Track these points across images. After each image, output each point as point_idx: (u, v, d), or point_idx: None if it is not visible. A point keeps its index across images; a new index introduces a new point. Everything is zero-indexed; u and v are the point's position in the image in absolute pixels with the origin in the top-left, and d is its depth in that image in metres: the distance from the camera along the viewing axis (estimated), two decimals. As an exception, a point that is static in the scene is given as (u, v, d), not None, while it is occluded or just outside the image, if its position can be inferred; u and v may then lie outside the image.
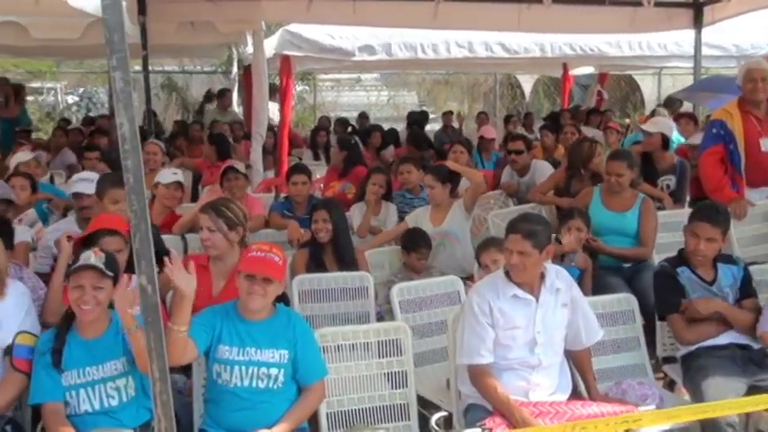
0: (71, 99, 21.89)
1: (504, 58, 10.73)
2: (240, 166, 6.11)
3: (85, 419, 3.19)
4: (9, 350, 3.24)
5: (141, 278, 2.49)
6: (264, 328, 3.37)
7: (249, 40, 9.12)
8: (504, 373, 3.53)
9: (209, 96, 13.52)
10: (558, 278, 3.66)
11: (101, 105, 19.12)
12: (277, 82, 10.39)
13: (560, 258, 4.68)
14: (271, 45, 8.61)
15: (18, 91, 10.75)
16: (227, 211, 4.06)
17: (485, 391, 3.47)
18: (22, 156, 6.60)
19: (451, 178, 5.82)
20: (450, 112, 14.13)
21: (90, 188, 4.91)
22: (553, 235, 4.05)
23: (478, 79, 21.78)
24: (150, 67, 8.42)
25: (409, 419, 3.71)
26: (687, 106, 11.28)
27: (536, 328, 3.55)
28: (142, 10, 7.34)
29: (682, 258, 4.21)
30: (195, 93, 18.34)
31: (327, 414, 3.58)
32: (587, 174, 6.18)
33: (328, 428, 3.57)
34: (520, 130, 11.68)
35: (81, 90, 22.42)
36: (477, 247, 4.73)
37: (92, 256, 3.29)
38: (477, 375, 3.50)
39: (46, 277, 4.13)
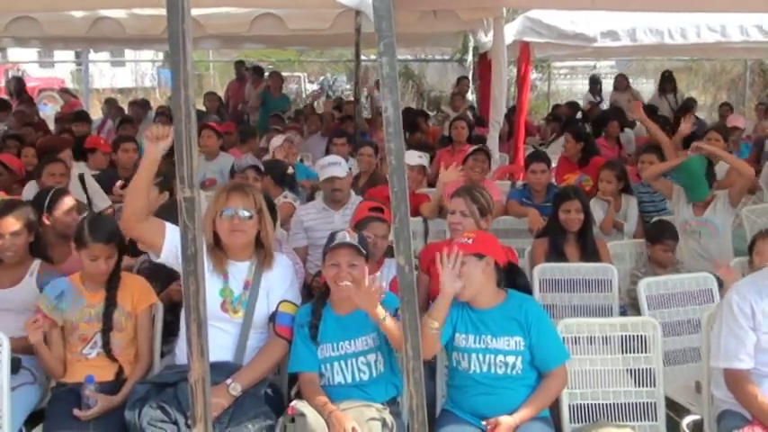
0: (311, 87, 23.23)
1: (761, 42, 9.86)
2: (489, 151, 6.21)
3: (338, 390, 3.34)
4: (273, 317, 3.48)
5: (399, 258, 2.55)
6: (497, 316, 3.36)
7: (487, 26, 9.10)
8: (767, 381, 3.27)
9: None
10: (835, 280, 3.33)
11: (340, 92, 20.06)
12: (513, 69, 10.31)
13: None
14: (510, 32, 8.54)
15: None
16: (482, 197, 4.10)
17: (743, 399, 3.24)
18: (275, 141, 7.05)
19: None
20: (694, 101, 13.30)
21: (341, 171, 5.17)
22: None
23: (725, 66, 20.29)
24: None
25: (656, 420, 3.55)
26: None
27: (805, 334, 3.25)
28: (388, -1, 7.54)
29: None
30: (430, 80, 18.71)
31: (570, 405, 3.51)
32: None
33: (570, 420, 3.50)
34: (777, 120, 10.73)
35: (321, 78, 23.71)
36: (756, 234, 4.40)
37: (347, 236, 3.46)
38: (736, 381, 3.27)
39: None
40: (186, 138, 2.50)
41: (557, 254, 4.74)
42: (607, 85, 14.67)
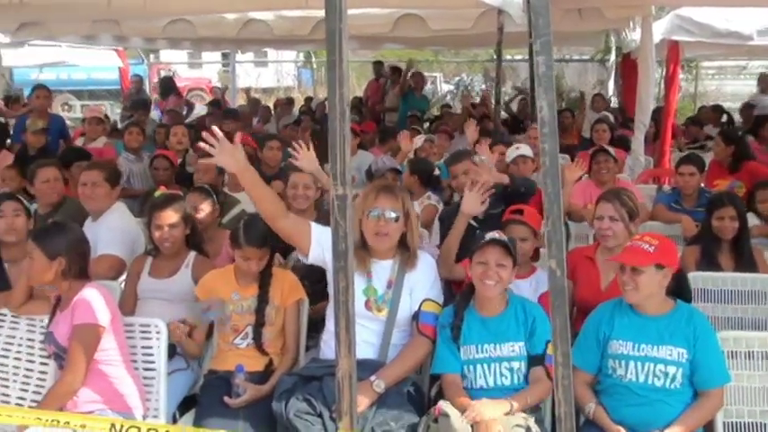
0: (446, 87, 23.22)
1: None
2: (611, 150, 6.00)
3: (479, 394, 3.28)
4: (416, 316, 3.48)
5: (551, 261, 2.51)
6: (663, 324, 3.24)
7: (633, 25, 8.79)
8: None
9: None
10: None
11: (475, 93, 19.95)
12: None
13: None
14: (658, 30, 8.20)
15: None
16: (630, 201, 3.97)
17: None
18: (416, 141, 7.08)
19: None
20: None
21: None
22: None
23: None
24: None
25: (821, 444, 3.33)
26: None
27: None
28: (534, -2, 7.39)
29: None
30: (570, 81, 18.30)
31: (724, 423, 3.34)
32: None
33: (724, 439, 3.33)
34: None
35: (456, 79, 23.66)
36: None
37: (496, 234, 3.42)
38: None
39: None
40: (340, 135, 2.54)
41: (709, 262, 4.52)
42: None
